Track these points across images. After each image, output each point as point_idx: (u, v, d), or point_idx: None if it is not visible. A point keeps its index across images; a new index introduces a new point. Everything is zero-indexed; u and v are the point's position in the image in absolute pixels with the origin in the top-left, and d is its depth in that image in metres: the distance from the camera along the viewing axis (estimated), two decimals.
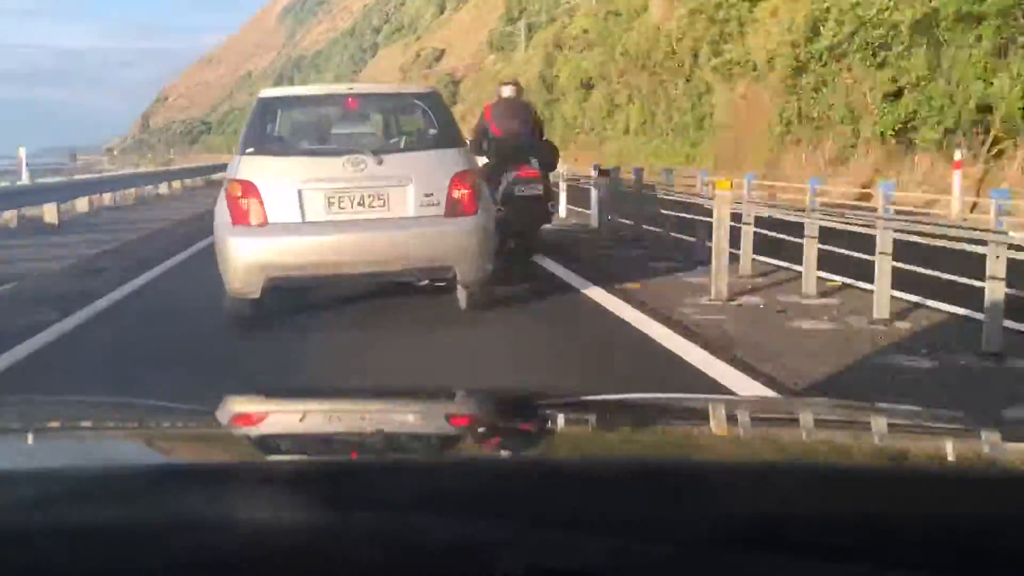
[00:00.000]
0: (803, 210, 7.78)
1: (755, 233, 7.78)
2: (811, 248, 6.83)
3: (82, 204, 18.80)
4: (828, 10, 19.04)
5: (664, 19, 28.88)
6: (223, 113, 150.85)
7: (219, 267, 5.69)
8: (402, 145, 5.99)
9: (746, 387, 4.34)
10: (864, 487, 0.82)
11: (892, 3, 16.85)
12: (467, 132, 8.87)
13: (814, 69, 19.22)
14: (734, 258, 7.43)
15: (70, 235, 13.83)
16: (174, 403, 1.53)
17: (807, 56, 19.32)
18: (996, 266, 4.99)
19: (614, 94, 32.86)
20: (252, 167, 5.53)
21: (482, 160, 8.15)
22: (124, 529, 0.74)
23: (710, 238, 7.13)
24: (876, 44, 17.09)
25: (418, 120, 6.24)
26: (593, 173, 12.88)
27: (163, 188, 26.16)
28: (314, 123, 6.30)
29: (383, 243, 5.47)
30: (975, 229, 5.98)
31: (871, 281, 6.01)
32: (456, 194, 5.58)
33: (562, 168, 12.85)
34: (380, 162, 5.56)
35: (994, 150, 14.76)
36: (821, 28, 19.04)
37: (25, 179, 19.52)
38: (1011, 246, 5.00)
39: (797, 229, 7.28)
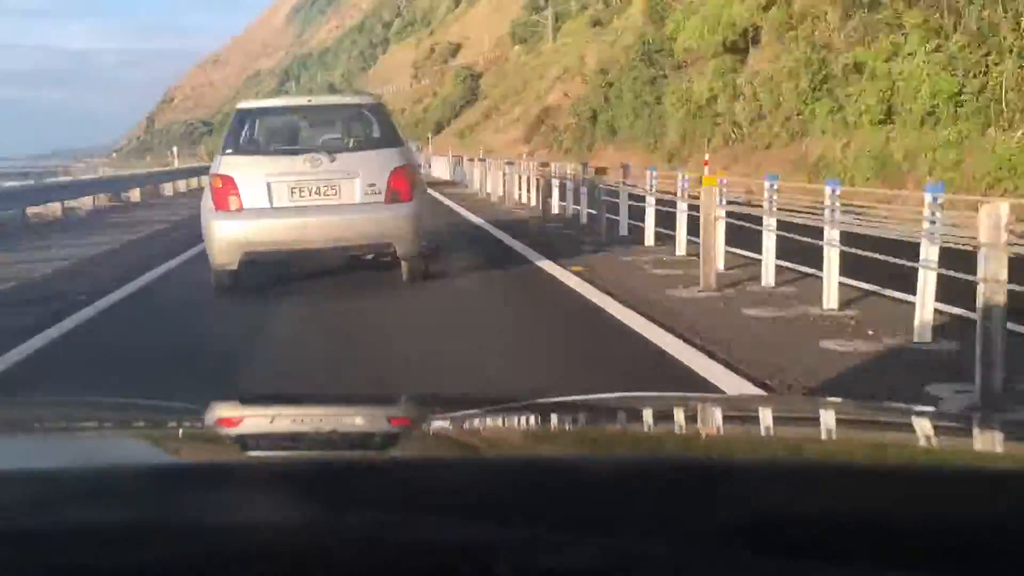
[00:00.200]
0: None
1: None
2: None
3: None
4: None
5: None
6: (226, 114, 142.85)
7: (205, 245, 7.19)
8: (351, 145, 7.50)
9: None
10: (864, 486, 0.82)
11: None
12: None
13: None
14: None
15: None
16: (172, 403, 1.59)
17: None
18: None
19: (809, 59, 18.53)
20: (230, 164, 7.10)
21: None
22: (121, 529, 0.75)
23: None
24: None
25: (365, 126, 7.74)
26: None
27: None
28: (281, 129, 7.84)
29: (335, 224, 7.03)
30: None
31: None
32: (394, 185, 7.08)
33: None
34: (333, 159, 7.11)
35: None
36: None
37: None
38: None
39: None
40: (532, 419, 1.41)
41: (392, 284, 7.71)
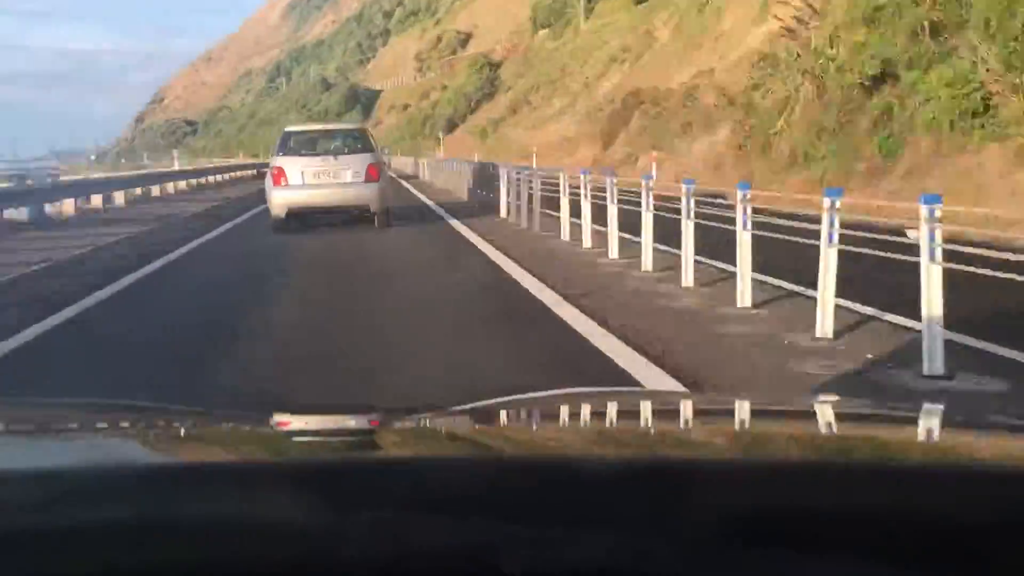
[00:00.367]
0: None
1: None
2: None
3: None
4: None
5: None
6: (210, 113, 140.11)
7: (267, 204, 13.89)
8: (346, 151, 14.18)
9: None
10: (861, 483, 0.83)
11: None
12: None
13: None
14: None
15: None
16: (175, 405, 1.64)
17: None
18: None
19: None
20: (281, 161, 13.80)
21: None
22: (122, 530, 0.75)
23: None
24: None
25: (354, 140, 14.46)
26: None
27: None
28: (307, 141, 14.50)
29: (337, 194, 13.77)
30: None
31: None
32: (369, 172, 13.75)
33: None
34: (336, 159, 13.75)
35: None
36: None
37: None
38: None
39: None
40: (534, 417, 1.44)
41: (367, 227, 14.37)
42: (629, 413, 1.47)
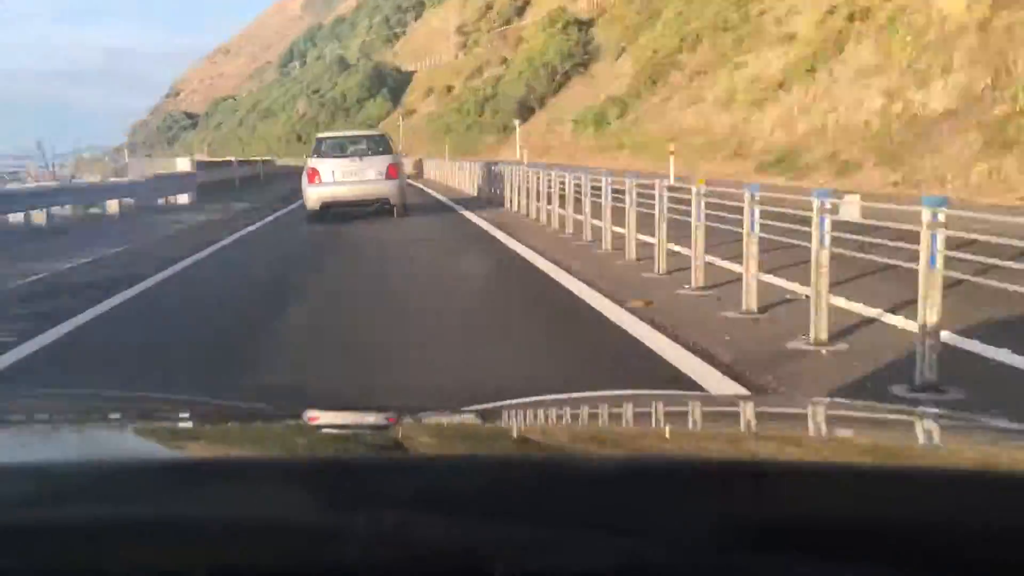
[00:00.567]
0: None
1: None
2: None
3: None
4: None
5: None
6: (213, 105, 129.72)
7: (303, 198, 16.70)
8: (369, 153, 17.02)
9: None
10: (867, 486, 0.84)
11: None
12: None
13: None
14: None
15: None
16: (180, 397, 1.68)
17: None
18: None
19: None
20: (315, 162, 16.79)
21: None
22: (125, 526, 0.77)
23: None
24: None
25: (376, 144, 17.30)
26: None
27: None
28: (336, 145, 17.38)
29: (362, 189, 16.76)
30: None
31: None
32: (389, 171, 16.55)
33: None
34: (361, 159, 16.56)
35: None
36: None
37: None
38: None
39: None
40: (537, 418, 1.46)
41: (388, 217, 17.19)
42: (633, 414, 1.49)
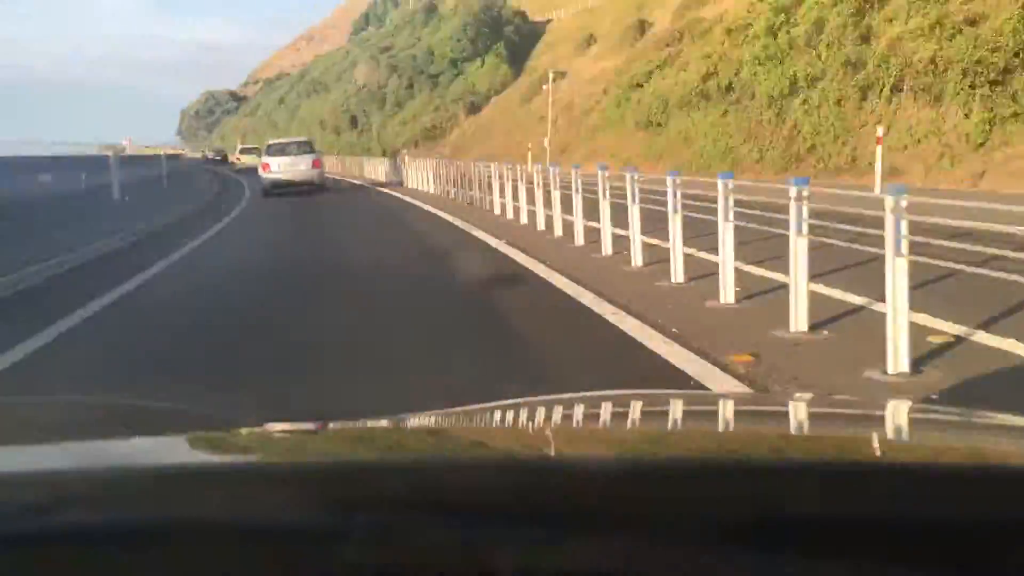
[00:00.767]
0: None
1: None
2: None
3: None
4: None
5: None
6: (267, 82, 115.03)
7: (260, 182, 27.68)
8: (300, 152, 28.68)
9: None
10: (866, 484, 0.84)
11: None
12: None
13: None
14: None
15: None
16: (173, 404, 1.66)
17: None
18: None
19: None
20: (267, 158, 27.98)
21: None
22: (116, 533, 0.77)
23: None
24: None
25: (305, 146, 28.71)
26: None
27: None
28: (280, 147, 28.91)
29: (297, 175, 28.34)
30: None
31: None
32: (314, 164, 27.61)
33: None
34: (296, 156, 27.69)
35: None
36: None
37: None
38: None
39: None
40: (535, 418, 1.47)
41: (316, 194, 27.92)
42: (631, 413, 1.50)
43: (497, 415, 1.47)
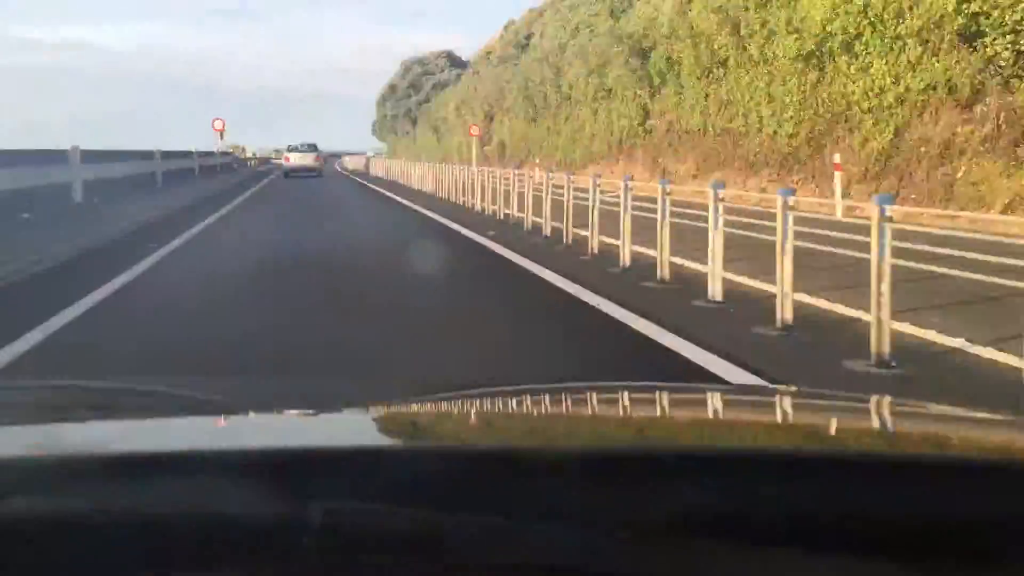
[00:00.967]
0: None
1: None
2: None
3: None
4: None
5: None
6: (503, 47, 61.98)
7: (280, 171, 43.85)
8: (308, 149, 45.00)
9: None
10: (846, 477, 0.84)
11: None
12: None
13: None
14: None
15: None
16: (139, 385, 1.66)
17: None
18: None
19: None
20: (288, 153, 42.75)
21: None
22: (78, 517, 0.77)
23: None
24: None
25: (312, 146, 44.97)
26: None
27: None
28: (295, 148, 45.04)
29: (306, 166, 42.03)
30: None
31: None
32: (316, 159, 42.27)
33: None
34: (306, 152, 42.32)
35: None
36: None
37: None
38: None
39: None
40: (505, 406, 1.46)
41: (318, 180, 39.85)
42: (605, 403, 1.49)
43: (467, 403, 1.45)
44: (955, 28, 14.85)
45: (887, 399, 1.61)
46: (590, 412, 1.43)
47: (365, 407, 1.35)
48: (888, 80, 16.39)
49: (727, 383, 4.54)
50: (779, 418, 1.39)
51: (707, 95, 23.55)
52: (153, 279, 9.05)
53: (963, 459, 0.98)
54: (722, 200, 7.35)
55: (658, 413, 1.43)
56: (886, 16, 16.28)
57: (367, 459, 0.90)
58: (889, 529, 0.76)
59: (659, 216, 8.42)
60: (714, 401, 1.57)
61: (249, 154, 66.84)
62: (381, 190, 30.23)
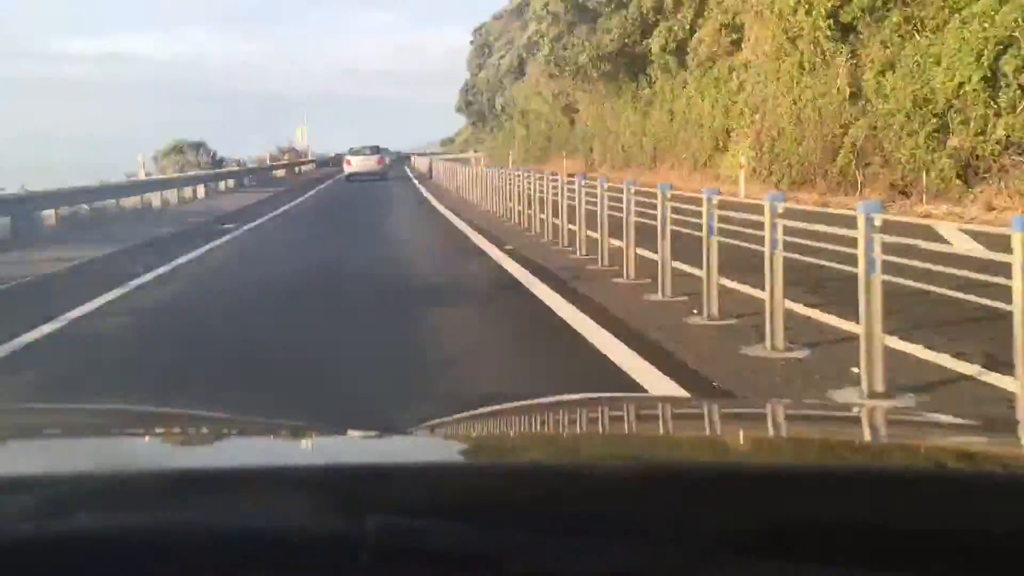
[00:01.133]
0: None
1: None
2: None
3: None
4: None
5: None
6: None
7: (343, 173, 44.15)
8: (372, 153, 45.31)
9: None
10: (868, 491, 0.86)
11: None
12: None
13: None
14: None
15: None
16: (184, 410, 1.70)
17: None
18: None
19: None
20: (349, 156, 42.47)
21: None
22: (131, 535, 0.78)
23: None
24: None
25: (376, 149, 45.85)
26: None
27: None
28: (357, 151, 45.05)
29: (370, 169, 42.26)
30: None
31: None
32: (379, 161, 41.60)
33: None
34: (369, 155, 42.20)
35: None
36: None
37: None
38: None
39: None
40: (543, 424, 1.50)
41: (380, 183, 40.17)
42: (633, 419, 1.53)
43: (507, 421, 1.50)
44: None
45: (923, 413, 1.74)
46: (634, 427, 1.48)
47: (416, 426, 1.38)
48: None
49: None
50: (809, 434, 1.43)
51: None
52: None
53: (967, 470, 1.04)
54: None
55: (696, 429, 1.47)
56: None
57: (421, 476, 0.94)
58: (933, 545, 0.78)
59: None
60: (751, 415, 1.61)
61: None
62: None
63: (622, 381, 5.42)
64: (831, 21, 18.60)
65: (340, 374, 5.69)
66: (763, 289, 6.11)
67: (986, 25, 14.49)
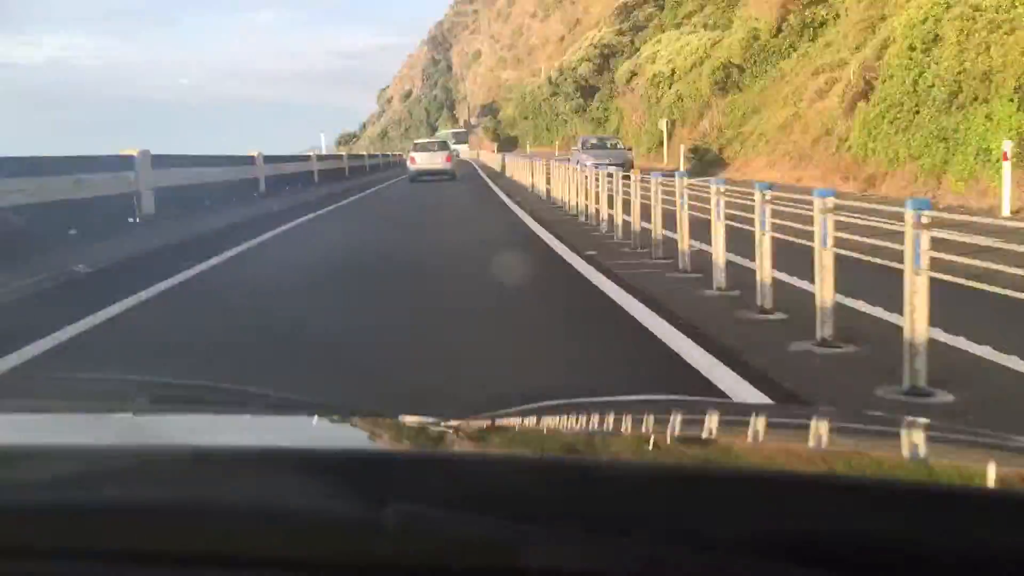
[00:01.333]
0: None
1: None
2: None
3: None
4: None
5: None
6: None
7: (406, 171, 41.11)
8: (439, 148, 41.05)
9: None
10: (876, 499, 0.85)
11: None
12: None
13: None
14: None
15: None
16: (217, 384, 1.74)
17: None
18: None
19: None
20: (414, 152, 39.71)
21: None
22: (148, 510, 0.79)
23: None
24: None
25: (443, 144, 42.74)
26: None
27: None
28: (422, 146, 42.07)
29: (435, 167, 40.59)
30: None
31: None
32: (447, 158, 38.35)
33: None
34: (436, 151, 39.36)
35: None
36: None
37: None
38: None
39: None
40: (567, 422, 1.51)
41: (448, 182, 39.07)
42: (655, 420, 1.53)
43: (530, 419, 1.49)
44: None
45: (942, 424, 1.79)
46: (661, 427, 1.47)
47: (440, 415, 1.37)
48: None
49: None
50: (843, 444, 1.42)
51: None
52: None
53: (1011, 490, 1.00)
54: None
55: (716, 432, 1.45)
56: None
57: (443, 465, 0.96)
58: (941, 556, 0.77)
59: None
60: (775, 420, 1.60)
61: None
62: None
63: None
64: None
65: None
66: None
67: None
